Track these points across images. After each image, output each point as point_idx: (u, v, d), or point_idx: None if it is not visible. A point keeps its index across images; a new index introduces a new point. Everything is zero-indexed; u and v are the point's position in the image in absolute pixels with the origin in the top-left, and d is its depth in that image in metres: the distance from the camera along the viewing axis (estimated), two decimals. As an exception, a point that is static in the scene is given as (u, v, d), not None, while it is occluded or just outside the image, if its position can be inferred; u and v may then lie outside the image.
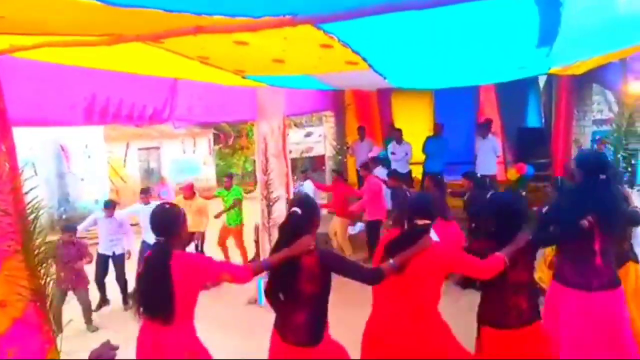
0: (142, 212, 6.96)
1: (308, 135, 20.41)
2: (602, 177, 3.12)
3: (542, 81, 9.68)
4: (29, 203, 3.20)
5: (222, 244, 8.09)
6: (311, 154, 18.68)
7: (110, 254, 6.70)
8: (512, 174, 7.35)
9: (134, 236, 7.05)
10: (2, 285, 3.04)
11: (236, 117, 7.12)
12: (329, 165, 9.65)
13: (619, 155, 5.43)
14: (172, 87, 4.93)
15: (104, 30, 2.85)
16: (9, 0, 1.93)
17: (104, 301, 6.83)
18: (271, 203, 6.72)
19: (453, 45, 3.04)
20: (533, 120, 10.00)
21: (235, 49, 3.17)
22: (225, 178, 8.55)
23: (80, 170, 14.02)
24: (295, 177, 8.20)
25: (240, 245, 8.14)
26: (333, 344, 2.88)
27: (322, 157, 11.54)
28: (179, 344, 2.75)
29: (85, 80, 4.13)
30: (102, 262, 6.69)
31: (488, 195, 3.47)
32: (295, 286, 2.69)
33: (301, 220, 2.76)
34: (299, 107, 7.82)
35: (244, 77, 4.08)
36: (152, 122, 4.90)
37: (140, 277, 2.88)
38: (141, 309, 2.78)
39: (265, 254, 6.55)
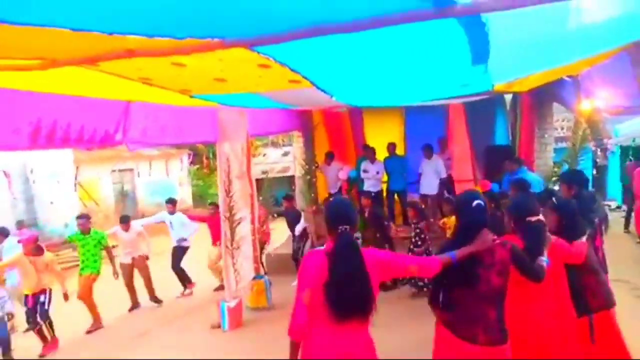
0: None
1: (285, 154, 20.38)
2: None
3: (508, 100, 9.82)
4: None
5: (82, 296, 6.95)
6: (288, 174, 18.61)
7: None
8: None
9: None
10: None
11: (196, 138, 6.99)
12: (299, 185, 9.59)
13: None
14: (125, 110, 4.83)
15: (36, 54, 2.79)
16: None
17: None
18: (235, 225, 6.63)
19: (390, 64, 3.05)
20: (501, 138, 10.10)
21: (174, 70, 3.13)
22: (80, 219, 7.17)
23: (48, 194, 13.77)
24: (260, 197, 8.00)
25: (85, 296, 6.91)
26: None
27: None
28: (371, 342, 2.57)
29: (29, 105, 4.03)
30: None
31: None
32: (490, 279, 2.65)
33: (485, 211, 2.76)
34: (263, 127, 7.77)
35: (191, 97, 4.04)
36: (104, 145, 4.78)
37: (336, 275, 2.46)
38: (342, 311, 2.43)
39: (229, 277, 6.43)
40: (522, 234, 3.01)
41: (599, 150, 10.86)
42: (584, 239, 3.24)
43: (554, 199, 3.55)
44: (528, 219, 3.01)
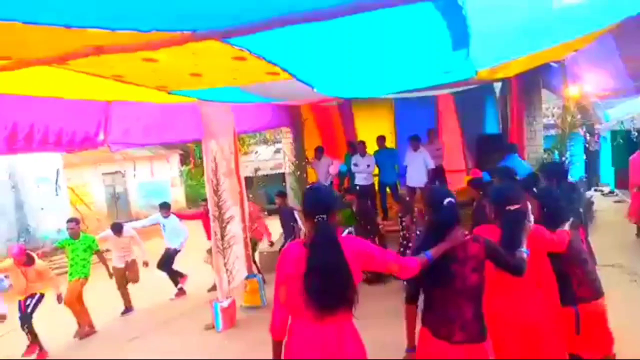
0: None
1: (277, 151, 20.25)
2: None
3: (498, 88, 9.77)
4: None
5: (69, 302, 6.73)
6: (280, 171, 18.50)
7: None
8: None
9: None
10: None
11: (181, 137, 6.82)
12: (289, 181, 9.50)
13: (564, 159, 5.42)
14: (105, 110, 4.72)
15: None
16: None
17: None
18: (224, 224, 6.53)
19: (369, 52, 2.97)
20: (491, 126, 10.07)
21: (147, 66, 3.04)
22: (69, 223, 6.82)
23: (37, 200, 13.61)
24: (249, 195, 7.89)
25: (72, 302, 6.72)
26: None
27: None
28: (356, 334, 2.48)
29: (4, 108, 3.93)
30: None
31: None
32: (465, 276, 2.57)
33: (456, 209, 2.69)
34: (250, 123, 7.67)
35: (169, 93, 3.94)
36: (84, 147, 4.68)
37: (312, 266, 2.35)
38: (320, 302, 2.32)
39: (221, 277, 6.35)
40: (501, 222, 2.92)
41: (588, 135, 10.84)
42: (566, 226, 3.15)
43: (534, 188, 3.47)
44: (507, 207, 2.90)
